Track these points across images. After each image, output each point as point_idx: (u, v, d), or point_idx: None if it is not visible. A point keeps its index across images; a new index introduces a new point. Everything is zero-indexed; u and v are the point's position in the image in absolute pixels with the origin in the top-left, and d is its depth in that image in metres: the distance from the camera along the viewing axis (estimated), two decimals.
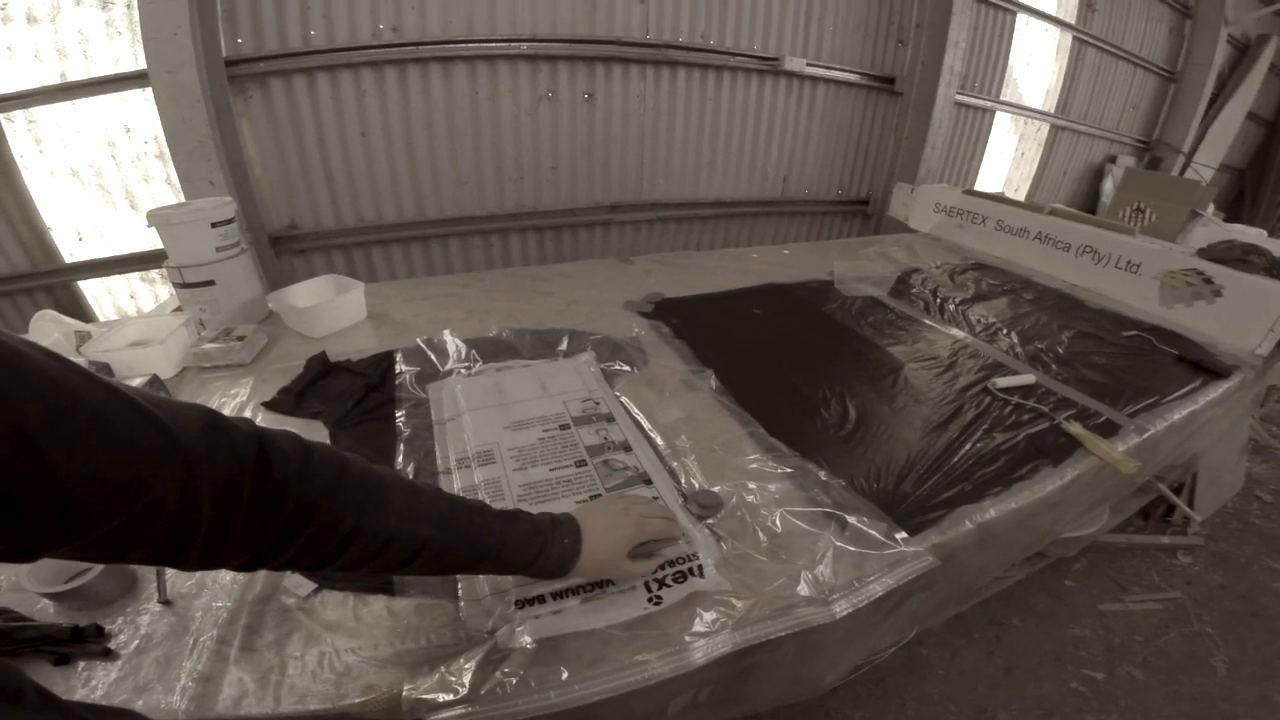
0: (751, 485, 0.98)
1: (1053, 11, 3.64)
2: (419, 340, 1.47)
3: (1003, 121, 3.77)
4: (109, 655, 0.71)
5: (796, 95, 2.88)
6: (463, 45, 2.20)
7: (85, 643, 0.72)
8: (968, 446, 1.16)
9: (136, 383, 1.29)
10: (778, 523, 0.90)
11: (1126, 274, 2.00)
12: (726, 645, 0.72)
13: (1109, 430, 1.24)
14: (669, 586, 0.77)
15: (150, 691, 0.66)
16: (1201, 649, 1.56)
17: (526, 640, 0.69)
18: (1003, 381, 1.40)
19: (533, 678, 0.66)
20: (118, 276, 2.43)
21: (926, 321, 1.76)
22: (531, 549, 0.67)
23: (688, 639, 0.71)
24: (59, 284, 2.34)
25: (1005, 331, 1.71)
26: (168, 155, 2.09)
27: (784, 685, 0.96)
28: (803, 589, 0.78)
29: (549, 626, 0.71)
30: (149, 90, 1.96)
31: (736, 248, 2.68)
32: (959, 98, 3.15)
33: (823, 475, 1.00)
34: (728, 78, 2.69)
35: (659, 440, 1.11)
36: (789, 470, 1.02)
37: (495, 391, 1.26)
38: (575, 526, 0.72)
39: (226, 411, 1.32)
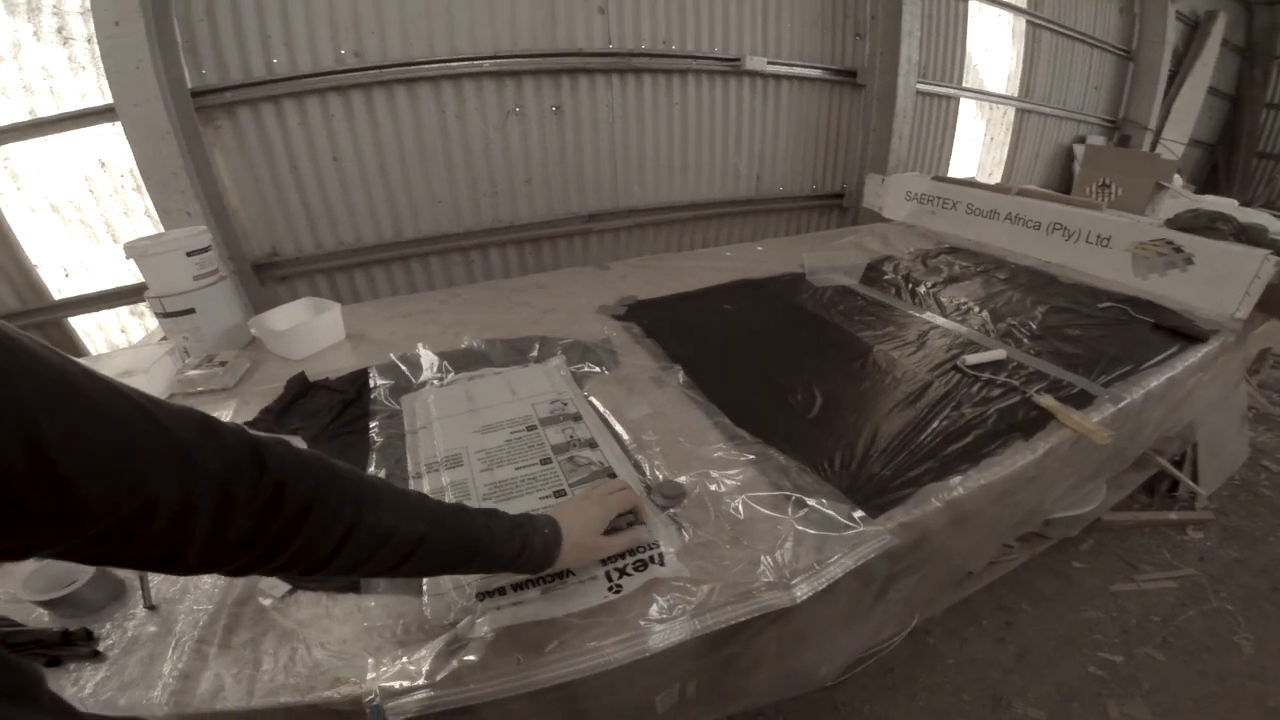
0: (715, 474, 0.99)
1: None
2: (392, 356, 1.50)
3: (968, 108, 3.81)
4: (97, 657, 0.74)
5: (761, 94, 2.92)
6: (426, 66, 2.24)
7: (75, 646, 0.75)
8: (935, 424, 1.17)
9: None
10: (740, 509, 0.91)
11: (1098, 248, 2.02)
12: (684, 631, 0.73)
13: (1084, 401, 1.25)
14: (629, 575, 0.79)
15: (133, 689, 0.69)
16: (1223, 627, 1.53)
17: (485, 630, 0.71)
18: (972, 358, 1.41)
19: (488, 664, 0.68)
20: (107, 311, 2.46)
21: (897, 306, 1.78)
22: (516, 541, 0.67)
23: (643, 624, 0.73)
24: (50, 321, 2.37)
25: (977, 310, 1.73)
26: (145, 188, 2.12)
27: (777, 678, 0.97)
28: (764, 573, 0.79)
29: (509, 616, 0.73)
30: (119, 124, 2.00)
31: (712, 246, 2.71)
32: (920, 86, 3.20)
33: (783, 460, 1.02)
34: (692, 81, 2.73)
35: (625, 435, 1.13)
36: (751, 457, 1.03)
37: (465, 399, 1.29)
38: (550, 518, 0.74)
39: None
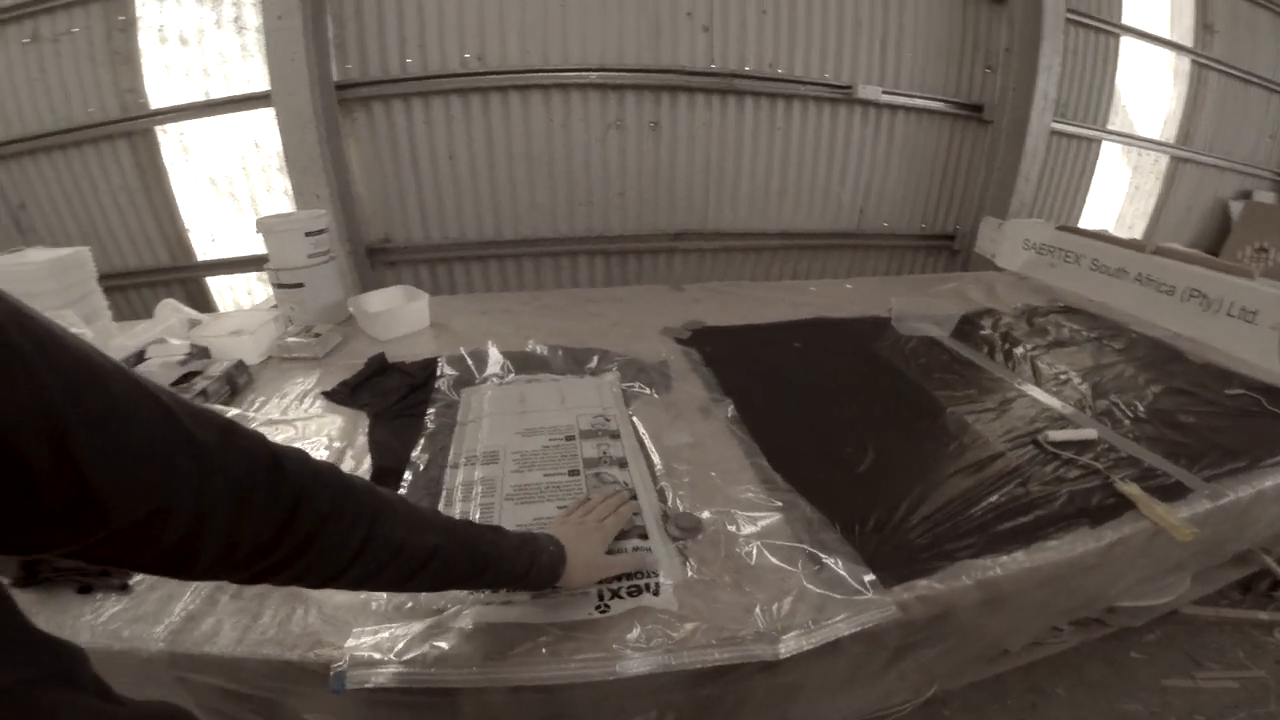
0: (737, 514, 0.97)
1: (1165, 34, 3.32)
2: (462, 350, 1.58)
3: (1112, 152, 3.45)
4: (125, 590, 0.83)
5: (874, 124, 2.81)
6: (538, 75, 2.37)
7: (110, 577, 0.84)
8: (993, 498, 1.08)
9: (223, 367, 1.49)
10: (752, 554, 0.89)
11: (1240, 323, 1.77)
12: (654, 665, 0.72)
13: (1176, 493, 1.10)
14: (620, 598, 0.79)
15: (141, 623, 0.77)
16: None
17: (467, 622, 0.74)
18: (1056, 434, 1.28)
19: (458, 653, 0.70)
20: (239, 275, 2.79)
21: (986, 367, 1.65)
22: (524, 558, 0.68)
23: (615, 647, 0.72)
24: (191, 279, 2.72)
25: (1078, 382, 1.56)
26: (286, 170, 2.38)
27: None
28: (754, 622, 0.77)
29: (493, 614, 0.75)
30: (273, 110, 2.25)
31: (801, 280, 2.64)
32: (1056, 126, 2.94)
33: (810, 512, 0.98)
34: (798, 106, 2.67)
35: (658, 461, 1.12)
36: (779, 504, 1.00)
37: (518, 400, 1.33)
38: (553, 536, 0.75)
39: (294, 396, 1.45)
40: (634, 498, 0.99)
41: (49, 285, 1.51)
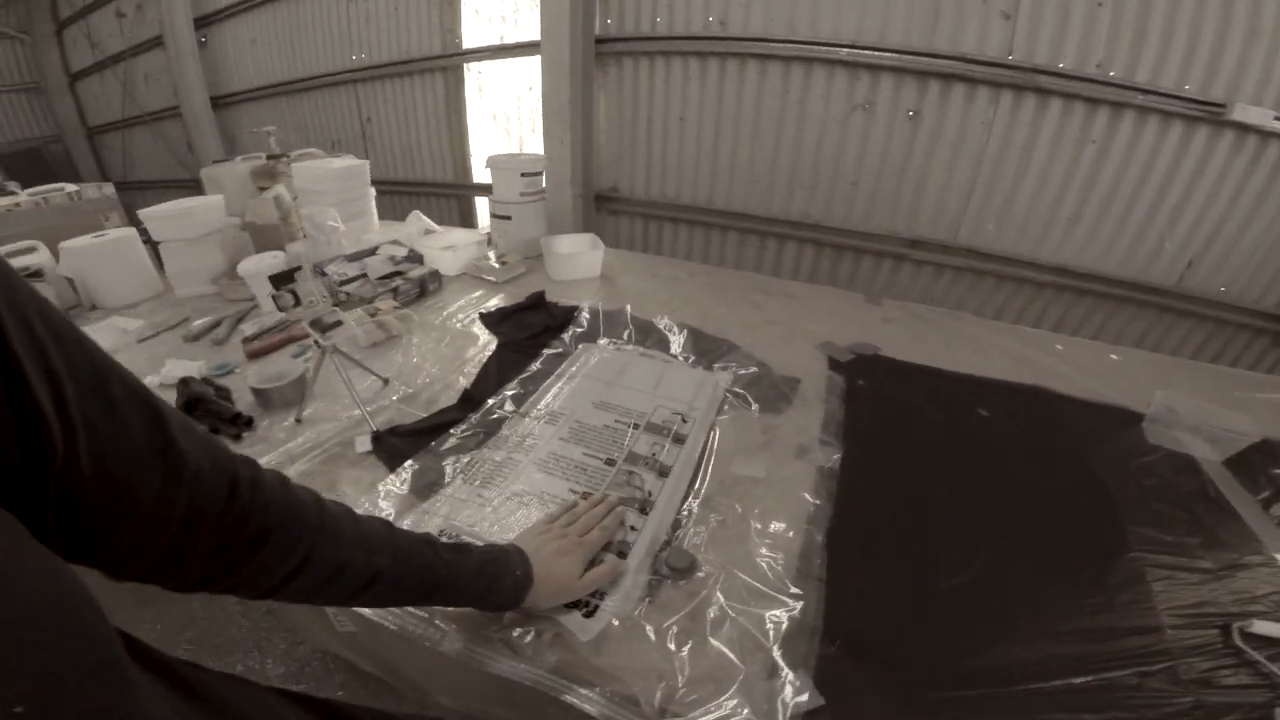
0: (740, 580, 0.81)
1: None
2: (600, 305, 1.60)
3: None
4: (238, 439, 1.05)
5: (1248, 156, 1.99)
6: (781, 45, 2.19)
7: (236, 426, 1.07)
8: (1079, 680, 0.74)
9: (421, 273, 1.74)
10: (717, 629, 0.74)
11: None
12: (513, 672, 0.68)
13: None
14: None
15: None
16: None
17: None
18: (1266, 626, 0.83)
19: None
20: None
21: (1246, 517, 1.11)
22: (484, 580, 0.66)
23: (491, 633, 0.71)
24: (464, 195, 3.22)
25: None
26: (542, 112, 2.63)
27: None
28: (652, 696, 0.65)
29: None
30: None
31: (1050, 331, 2.08)
32: None
33: (812, 615, 0.77)
34: (1130, 118, 2.01)
35: (704, 486, 1.00)
36: (795, 591, 0.80)
37: (617, 371, 1.30)
38: (524, 557, 0.71)
39: (461, 308, 1.65)
40: (644, 512, 0.90)
41: (333, 186, 1.93)
